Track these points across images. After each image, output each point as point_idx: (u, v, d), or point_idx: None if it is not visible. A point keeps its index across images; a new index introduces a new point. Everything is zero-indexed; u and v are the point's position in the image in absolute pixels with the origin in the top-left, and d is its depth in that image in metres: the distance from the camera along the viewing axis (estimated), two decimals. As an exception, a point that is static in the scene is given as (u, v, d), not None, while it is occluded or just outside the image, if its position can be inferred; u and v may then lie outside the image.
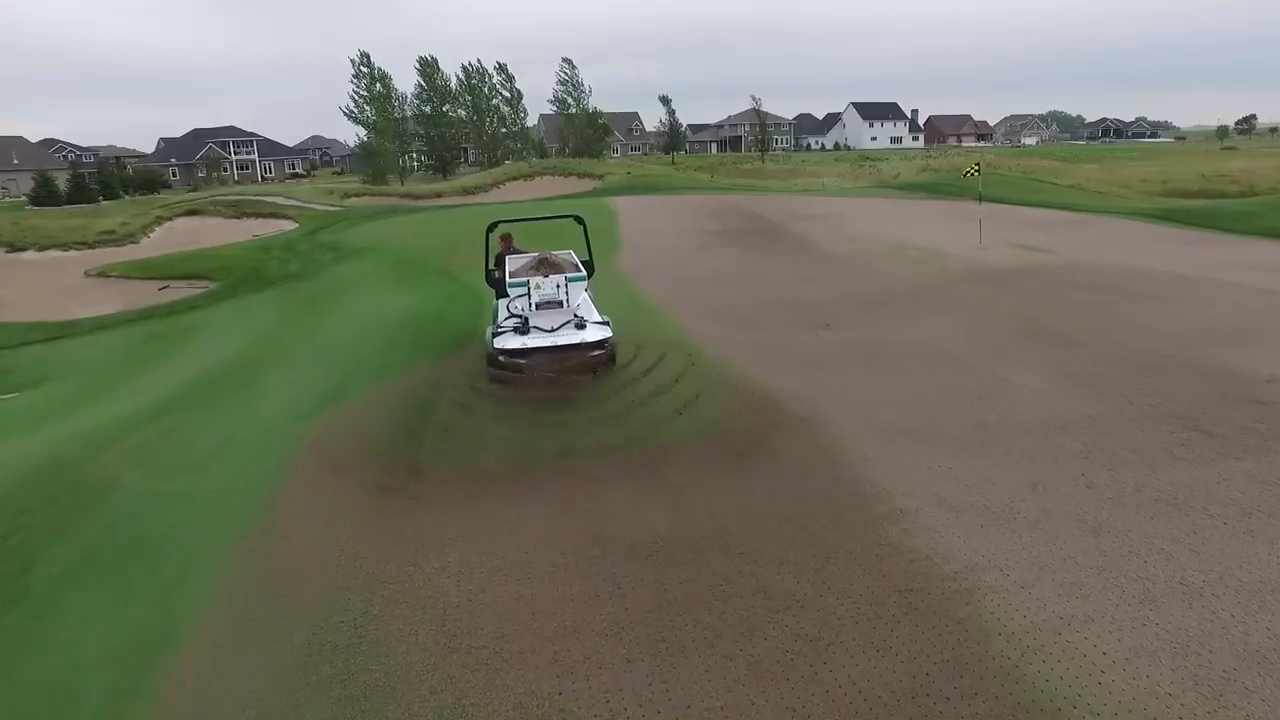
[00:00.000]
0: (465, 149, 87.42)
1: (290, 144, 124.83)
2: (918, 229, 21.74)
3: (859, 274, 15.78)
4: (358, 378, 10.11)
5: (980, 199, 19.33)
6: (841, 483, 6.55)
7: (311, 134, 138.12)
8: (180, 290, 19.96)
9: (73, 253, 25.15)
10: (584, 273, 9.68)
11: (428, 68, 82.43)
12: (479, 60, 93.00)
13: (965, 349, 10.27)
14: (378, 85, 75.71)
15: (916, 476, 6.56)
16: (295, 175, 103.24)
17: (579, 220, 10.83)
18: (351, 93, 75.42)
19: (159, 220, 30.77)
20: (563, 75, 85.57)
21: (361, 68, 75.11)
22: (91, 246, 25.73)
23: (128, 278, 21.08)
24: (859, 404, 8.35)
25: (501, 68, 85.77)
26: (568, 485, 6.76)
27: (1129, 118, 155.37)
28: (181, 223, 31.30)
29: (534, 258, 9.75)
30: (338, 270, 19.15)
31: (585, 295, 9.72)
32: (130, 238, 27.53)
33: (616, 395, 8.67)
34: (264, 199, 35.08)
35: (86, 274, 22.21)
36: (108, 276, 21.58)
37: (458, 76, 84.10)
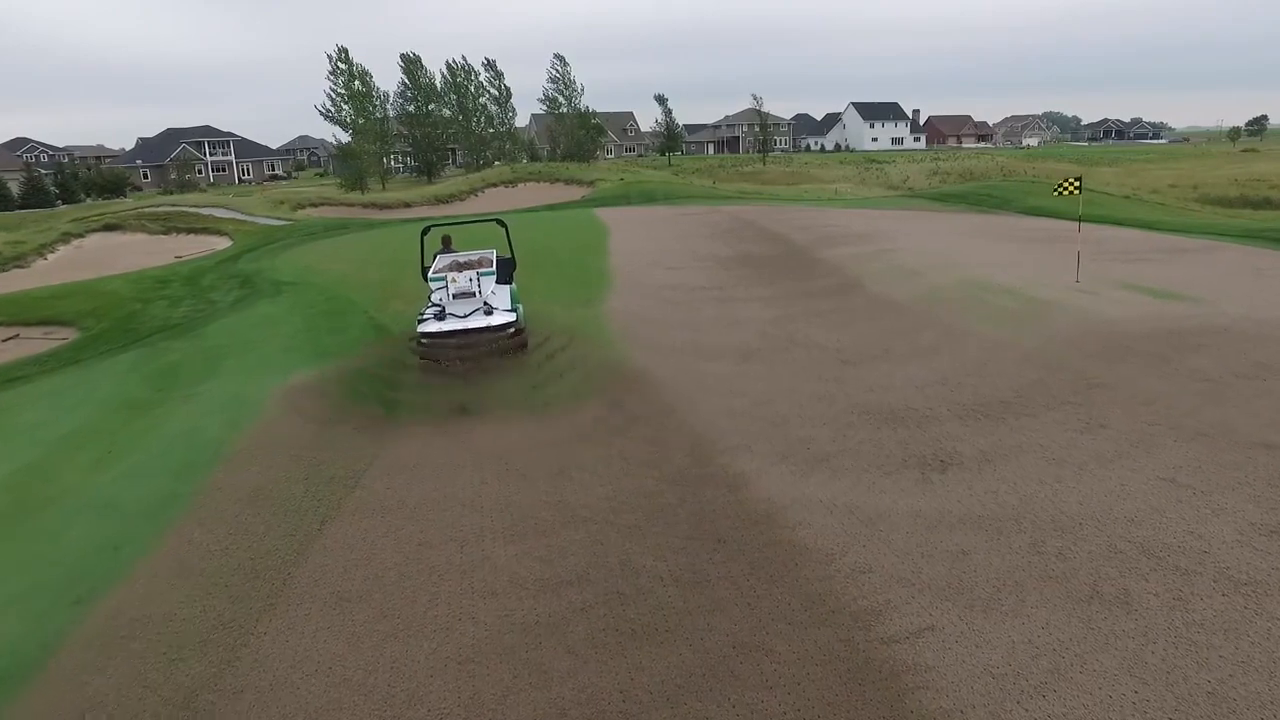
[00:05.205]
0: (452, 150, 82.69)
1: (277, 144, 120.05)
2: (983, 257, 17.24)
3: (941, 338, 11.16)
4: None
5: (1080, 223, 14.78)
6: None
7: (299, 134, 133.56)
8: (32, 341, 15.25)
9: (-64, 282, 20.33)
10: (494, 268, 10.80)
11: (411, 64, 77.63)
12: (464, 58, 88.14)
13: (1218, 542, 5.66)
14: (356, 83, 70.76)
15: None
16: (275, 177, 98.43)
17: (500, 223, 12.09)
18: (329, 90, 70.56)
19: (66, 237, 25.97)
20: (554, 73, 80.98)
21: (339, 64, 70.16)
22: (-39, 274, 20.94)
23: (-30, 322, 16.30)
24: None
25: (490, 64, 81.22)
26: None
27: (1124, 118, 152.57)
28: (94, 240, 26.51)
29: (457, 257, 11.20)
30: (233, 320, 14.41)
31: (508, 289, 10.95)
32: (18, 261, 22.73)
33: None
34: (199, 211, 30.29)
35: (-75, 316, 17.31)
36: (-53, 320, 16.73)
37: (442, 74, 79.45)
